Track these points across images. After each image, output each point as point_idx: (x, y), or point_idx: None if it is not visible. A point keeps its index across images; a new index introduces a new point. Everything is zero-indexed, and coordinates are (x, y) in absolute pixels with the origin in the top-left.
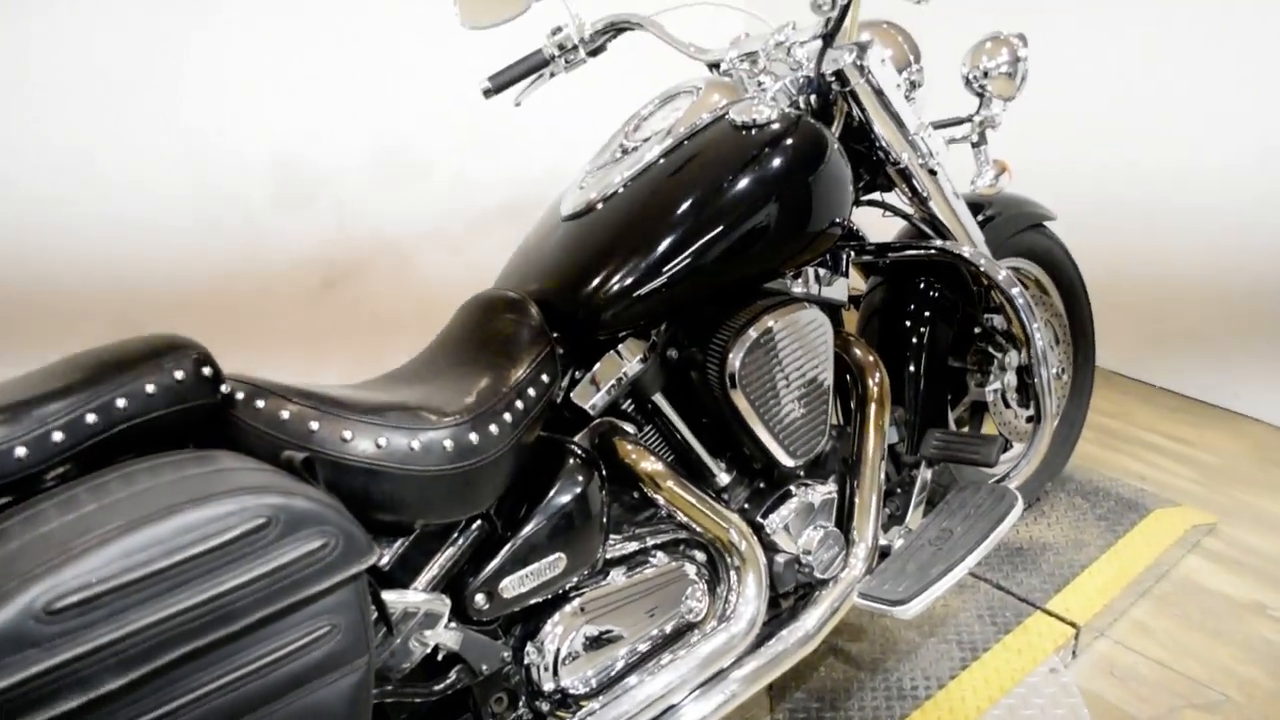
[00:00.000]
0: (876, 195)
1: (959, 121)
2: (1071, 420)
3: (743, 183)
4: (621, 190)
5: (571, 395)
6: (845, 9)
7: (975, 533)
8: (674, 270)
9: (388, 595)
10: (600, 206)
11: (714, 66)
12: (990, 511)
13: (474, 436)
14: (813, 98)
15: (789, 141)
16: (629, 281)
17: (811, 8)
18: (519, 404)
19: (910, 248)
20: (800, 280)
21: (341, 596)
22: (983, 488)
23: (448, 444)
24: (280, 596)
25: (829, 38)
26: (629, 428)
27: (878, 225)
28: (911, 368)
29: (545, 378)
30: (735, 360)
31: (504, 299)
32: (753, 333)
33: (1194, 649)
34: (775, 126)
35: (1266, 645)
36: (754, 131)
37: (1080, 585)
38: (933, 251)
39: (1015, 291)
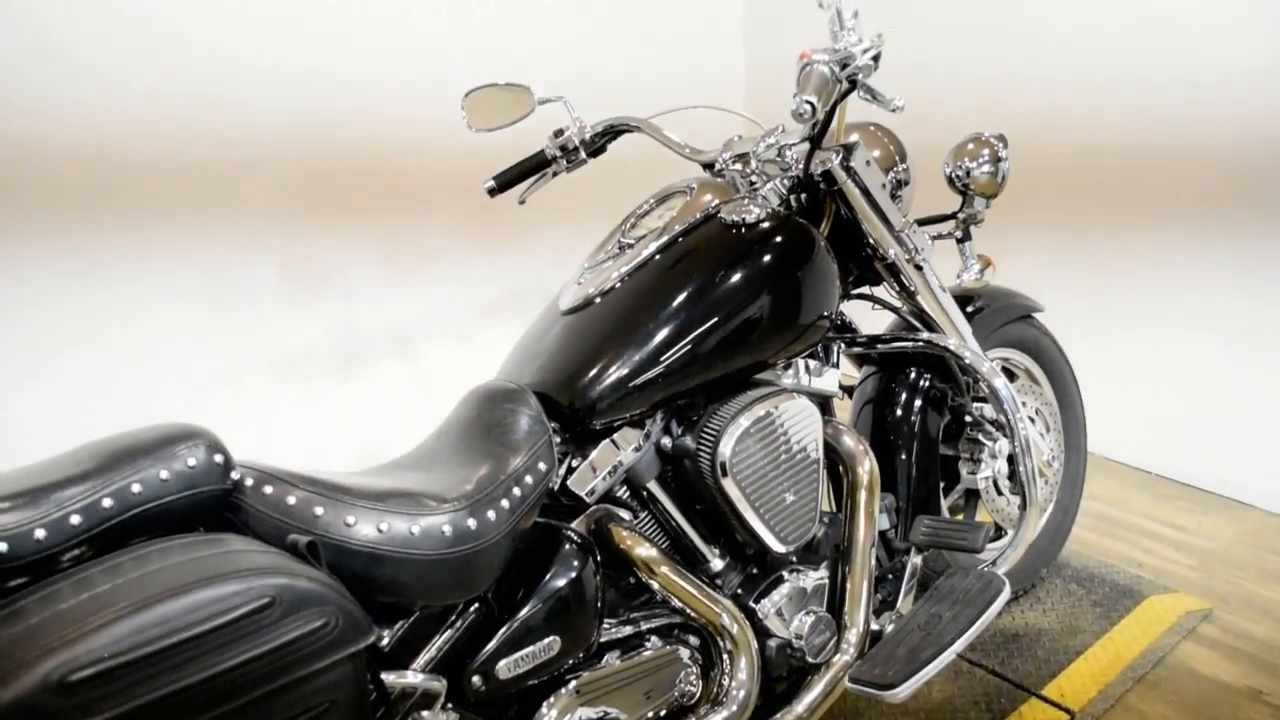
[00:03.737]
0: (866, 289)
1: (944, 218)
2: (1066, 507)
3: (734, 279)
4: (618, 285)
5: (568, 483)
6: (830, 114)
7: (964, 618)
8: (668, 363)
9: (386, 676)
10: (597, 301)
11: (708, 167)
12: (978, 597)
13: (472, 522)
14: (803, 196)
15: (777, 239)
16: (624, 373)
17: (793, 116)
18: (516, 491)
19: (898, 339)
20: (791, 372)
21: (340, 674)
22: (971, 573)
23: (446, 529)
24: (282, 674)
25: (816, 140)
26: (624, 514)
27: (871, 317)
28: (903, 455)
29: (542, 466)
30: (726, 449)
31: (503, 390)
32: (744, 421)
33: None
34: (764, 225)
35: None
36: (744, 230)
37: (1075, 671)
38: (920, 344)
39: (999, 383)
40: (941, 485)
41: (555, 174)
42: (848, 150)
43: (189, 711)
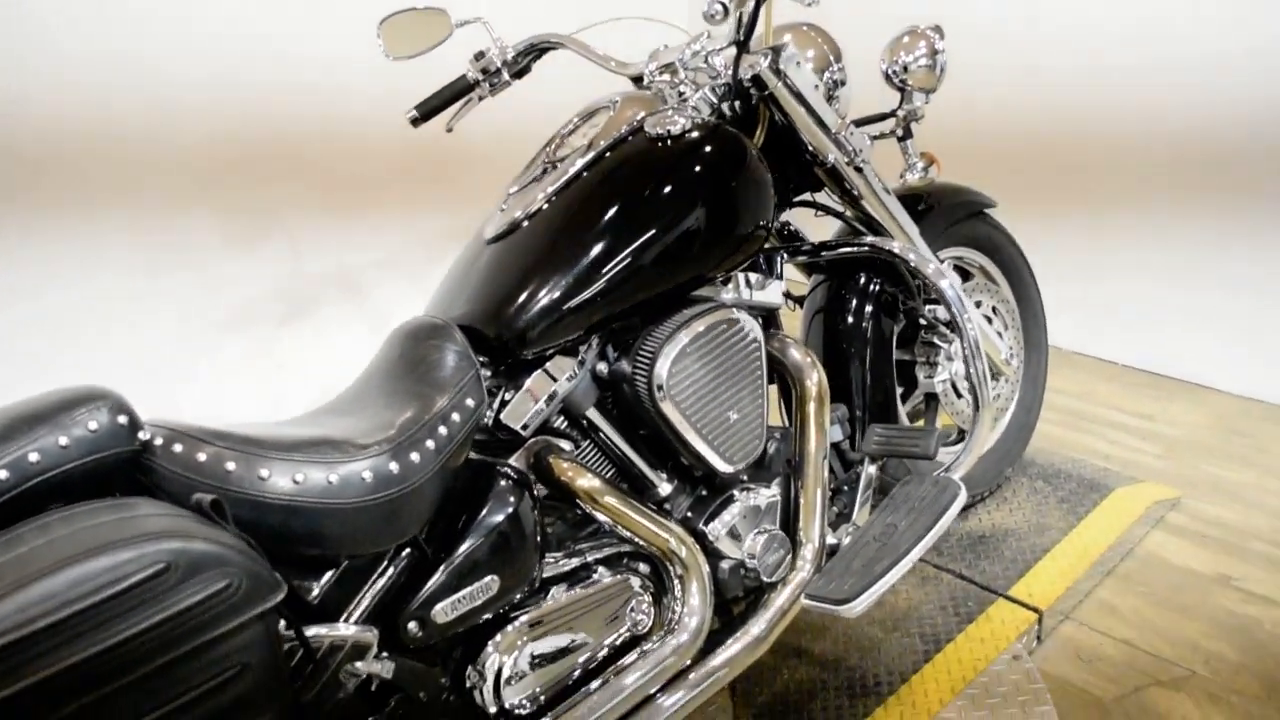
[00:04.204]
0: (808, 196)
1: (883, 117)
2: (1029, 405)
3: (662, 193)
4: (542, 209)
5: (502, 417)
6: (755, 16)
7: (919, 526)
8: (598, 285)
9: (311, 630)
10: (522, 226)
11: (637, 80)
12: (934, 504)
13: (394, 466)
14: (736, 104)
15: (705, 149)
16: (552, 299)
17: (704, 18)
18: (443, 430)
19: (842, 246)
20: (731, 287)
21: (250, 636)
22: (926, 479)
23: (367, 475)
24: (185, 640)
25: (742, 44)
26: (565, 445)
27: (818, 225)
28: (856, 363)
29: (470, 402)
30: (663, 370)
31: (428, 326)
32: (680, 340)
33: (1160, 626)
34: (690, 135)
35: (1232, 618)
36: (670, 142)
37: (1042, 570)
38: (864, 248)
39: (945, 284)
40: (900, 391)
41: (480, 98)
42: (776, 52)
43: (89, 685)
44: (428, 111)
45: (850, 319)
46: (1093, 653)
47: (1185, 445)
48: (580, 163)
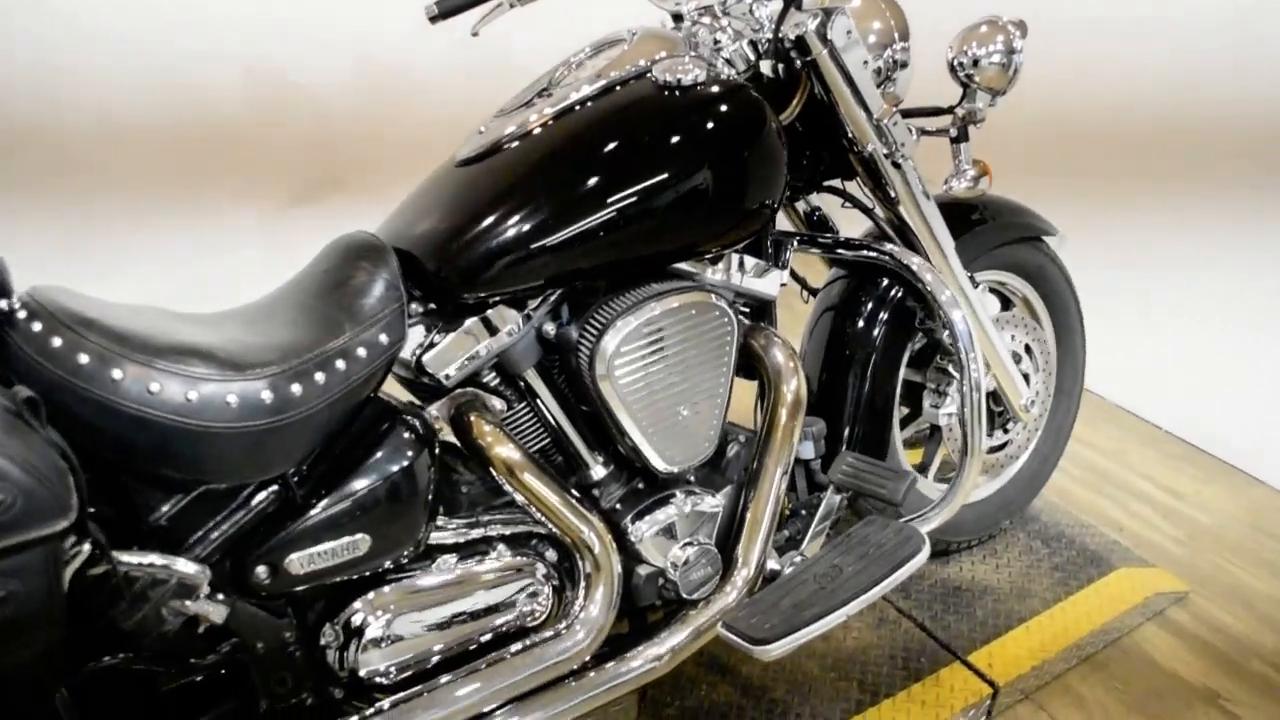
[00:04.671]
0: (838, 183)
1: (938, 112)
2: (1045, 455)
3: (656, 148)
4: (520, 139)
5: (424, 360)
6: None
7: (865, 577)
8: (564, 234)
9: (129, 558)
10: (494, 153)
11: (677, 18)
12: (889, 555)
13: (268, 395)
14: (780, 66)
15: (714, 108)
16: (507, 240)
17: None
18: (340, 364)
19: (859, 247)
20: (720, 267)
21: (20, 561)
22: (890, 525)
23: (232, 399)
24: None
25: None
26: (497, 403)
27: (853, 216)
28: (855, 374)
29: (384, 338)
30: (609, 345)
31: (364, 244)
32: (637, 316)
33: None
34: (702, 90)
35: None
36: (677, 93)
37: (1012, 640)
38: (882, 256)
39: (956, 316)
40: (904, 414)
41: (512, 5)
42: (828, 15)
43: None
44: (447, 10)
45: (861, 324)
46: None
47: (1210, 536)
48: (574, 96)
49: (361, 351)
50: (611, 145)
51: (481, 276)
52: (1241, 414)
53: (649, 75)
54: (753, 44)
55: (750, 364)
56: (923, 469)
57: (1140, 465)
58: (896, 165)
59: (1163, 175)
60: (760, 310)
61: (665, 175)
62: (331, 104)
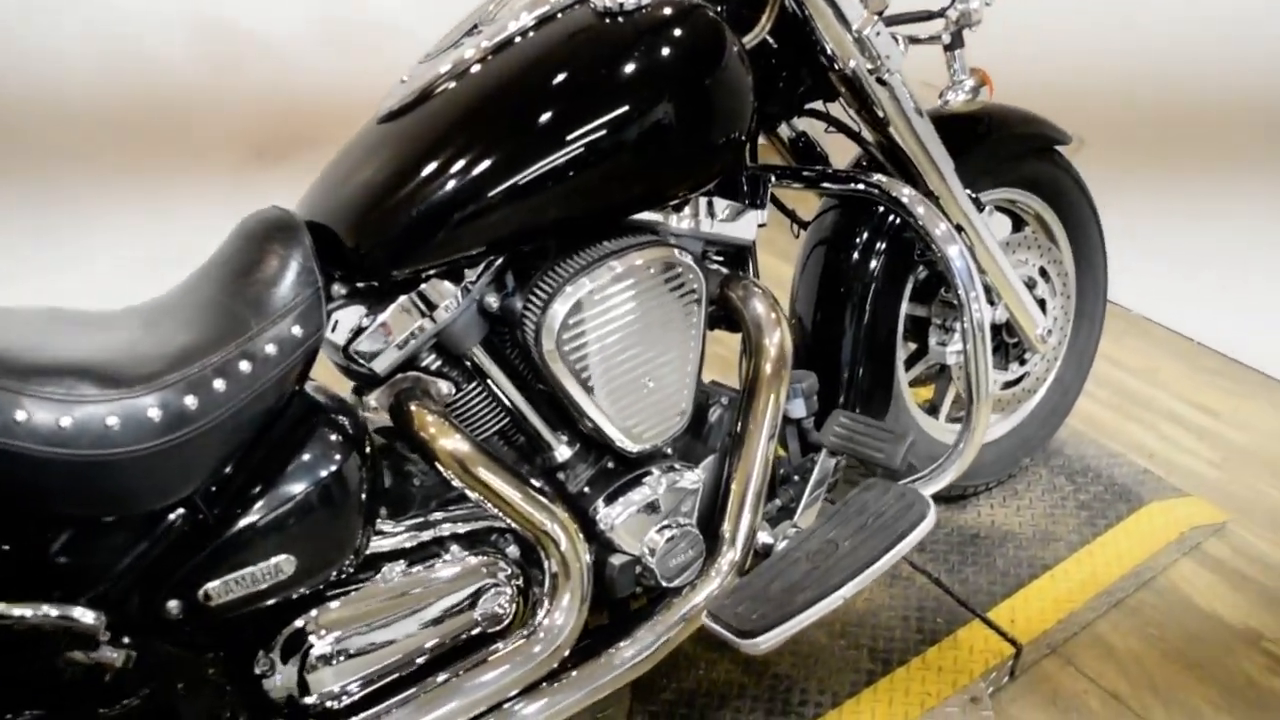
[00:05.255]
0: (820, 105)
1: (928, 16)
2: (1066, 386)
3: (600, 84)
4: (447, 86)
5: (352, 348)
6: None
7: (863, 553)
8: (497, 191)
9: (14, 610)
10: (418, 105)
11: None
12: (889, 526)
13: (156, 412)
14: None
15: (665, 33)
16: (435, 203)
17: None
18: (244, 366)
19: (843, 180)
20: (686, 213)
21: None
22: (891, 490)
23: (112, 421)
24: None
25: None
26: (443, 386)
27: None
28: (853, 314)
29: (298, 330)
30: (556, 316)
31: (275, 221)
32: (585, 283)
33: (1161, 682)
34: (648, 13)
35: (1251, 689)
36: (620, 19)
37: (1036, 591)
38: (861, 189)
39: (953, 252)
40: (910, 351)
41: None
42: None
43: None
44: None
45: (856, 258)
46: (1071, 702)
47: (1249, 457)
48: (504, 33)
49: (270, 349)
50: (549, 85)
51: (410, 248)
52: None
53: (587, 1)
54: None
55: (731, 317)
56: (933, 410)
57: (1171, 383)
58: (882, 82)
59: (1188, 73)
60: (737, 256)
61: (613, 115)
62: (291, 56)
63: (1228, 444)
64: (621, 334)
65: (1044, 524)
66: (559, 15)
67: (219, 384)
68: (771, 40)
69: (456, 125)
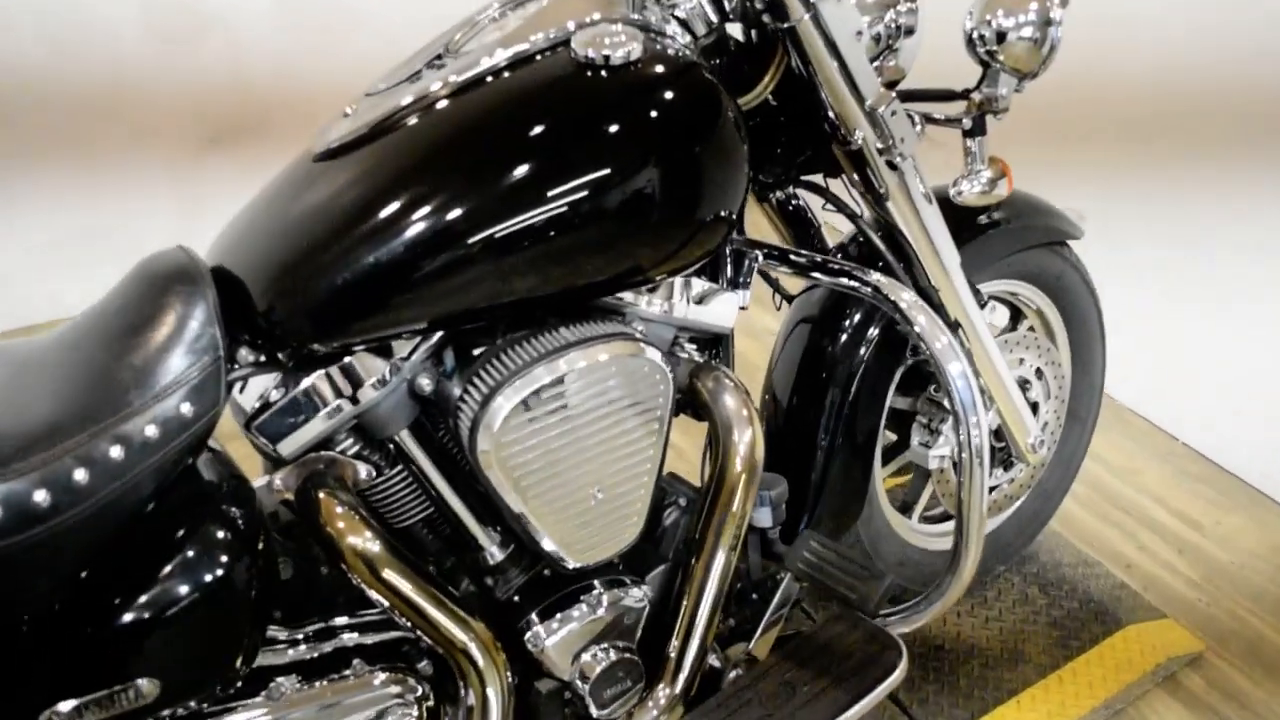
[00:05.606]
0: (820, 179)
1: (950, 96)
2: (1049, 492)
3: (575, 145)
4: (398, 126)
5: (256, 424)
6: None
7: (823, 706)
8: (450, 260)
9: None
10: (362, 145)
11: None
12: (857, 673)
13: None
14: (753, 33)
15: (657, 94)
16: (372, 266)
17: None
18: (116, 451)
19: (835, 271)
20: (661, 295)
21: None
22: (861, 626)
23: None
24: None
25: None
26: (361, 470)
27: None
28: (832, 405)
29: (188, 409)
30: (498, 414)
31: (175, 270)
32: (533, 378)
33: None
34: (635, 69)
35: None
36: (604, 74)
37: (1000, 719)
38: (857, 286)
39: (955, 370)
40: (890, 441)
41: None
42: None
43: None
44: None
45: (843, 344)
46: None
47: (1229, 578)
48: (469, 73)
49: (150, 431)
50: (518, 139)
51: (338, 318)
52: (1274, 430)
53: (569, 45)
54: (715, 2)
55: (698, 407)
56: (906, 508)
57: (1153, 485)
58: (892, 165)
59: (1193, 146)
60: (711, 340)
61: (589, 181)
62: (246, 33)
63: (1208, 562)
64: (572, 439)
65: (1014, 641)
66: (538, 57)
67: (80, 475)
68: (772, 99)
69: (408, 173)
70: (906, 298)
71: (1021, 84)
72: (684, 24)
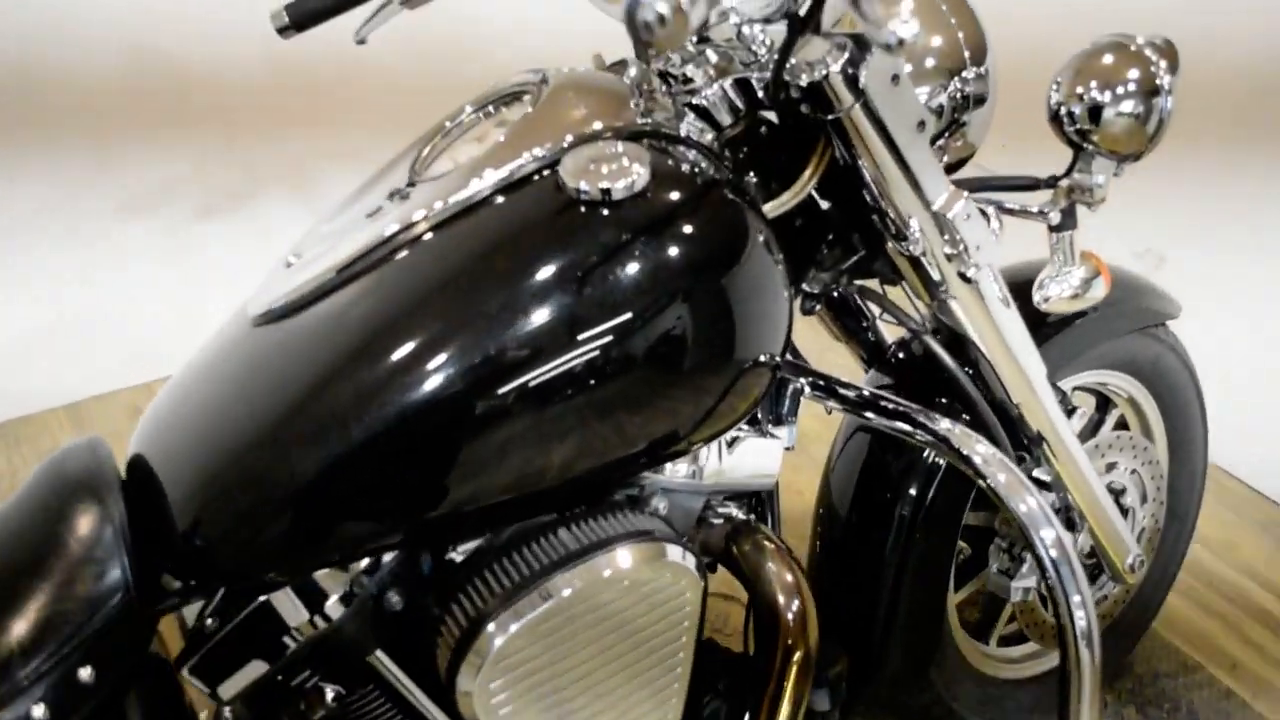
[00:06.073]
0: (875, 284)
1: (1033, 185)
2: (1148, 599)
3: (571, 304)
4: (361, 278)
5: (186, 669)
6: None
7: None
8: (429, 457)
9: None
10: (315, 304)
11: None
12: None
13: None
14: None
15: (667, 231)
16: (332, 471)
17: None
18: None
19: (888, 411)
20: (685, 458)
21: None
22: None
23: None
24: None
25: (803, 19)
26: (328, 691)
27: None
28: (893, 545)
29: (87, 674)
30: (488, 648)
31: (75, 478)
32: (532, 603)
33: None
34: (649, 199)
35: None
36: (601, 208)
37: None
38: (920, 435)
39: (1047, 538)
40: (962, 556)
41: (403, 4)
42: (860, 47)
43: None
44: (303, 16)
45: (909, 462)
46: None
47: None
48: (440, 207)
49: (39, 713)
50: (500, 302)
51: (279, 543)
52: None
53: (557, 174)
54: (743, 84)
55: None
56: (979, 632)
57: (1255, 563)
58: (965, 278)
59: None
60: (752, 500)
61: (588, 348)
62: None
63: None
64: (578, 675)
65: None
66: (525, 185)
67: None
68: (816, 193)
69: (369, 345)
70: (982, 451)
71: (1121, 167)
72: (705, 114)
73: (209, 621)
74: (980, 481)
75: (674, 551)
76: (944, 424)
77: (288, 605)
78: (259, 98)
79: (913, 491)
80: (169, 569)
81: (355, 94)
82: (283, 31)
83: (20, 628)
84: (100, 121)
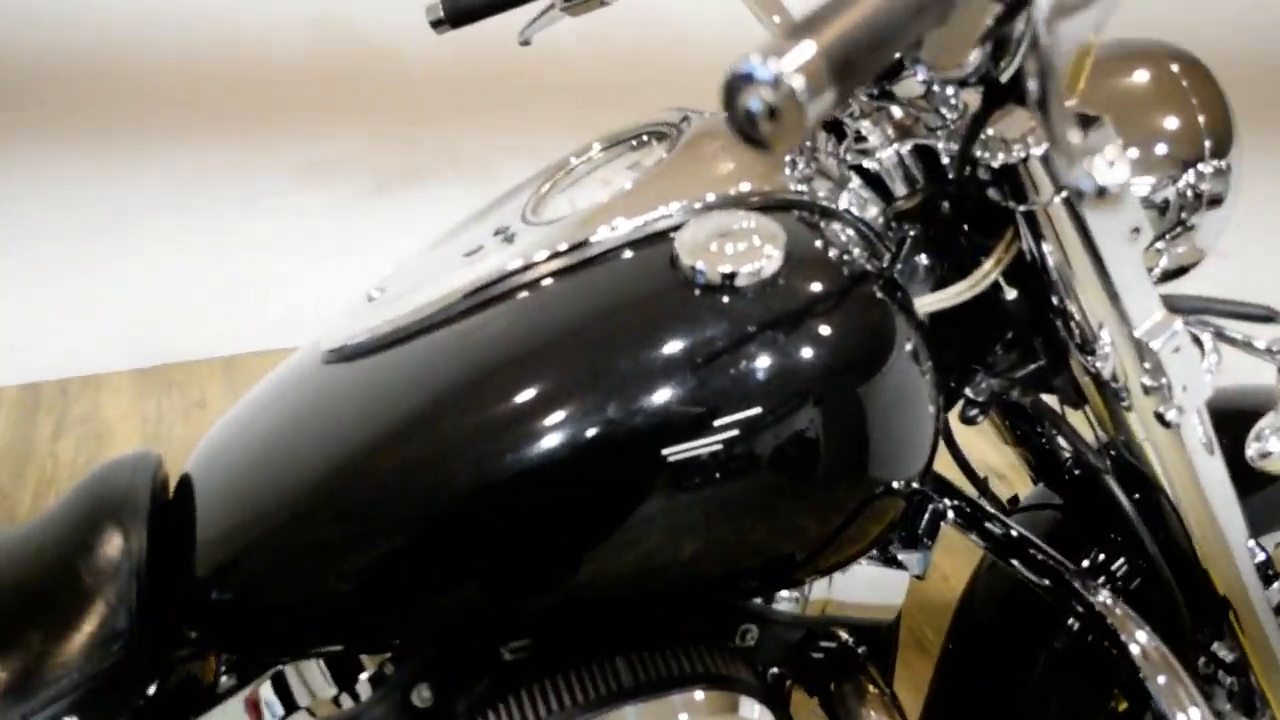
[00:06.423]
0: (1055, 402)
1: (1267, 317)
2: None
3: (680, 397)
4: (437, 326)
5: None
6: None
7: None
8: (510, 536)
9: None
10: (399, 345)
11: None
12: None
13: None
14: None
15: (795, 329)
16: (402, 536)
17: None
18: None
19: (1038, 564)
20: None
21: None
22: None
23: None
24: None
25: (1002, 86)
26: None
27: None
28: (1034, 694)
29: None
30: None
31: (112, 499)
32: None
33: None
34: (780, 286)
35: None
36: (722, 297)
37: None
38: (1078, 609)
39: None
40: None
41: (563, 9)
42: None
43: None
44: (460, 13)
45: (1051, 624)
46: None
47: None
48: (546, 256)
49: None
50: (603, 380)
51: (311, 616)
52: None
53: (672, 247)
54: (925, 151)
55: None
56: None
57: None
58: (1164, 421)
59: None
60: (868, 635)
61: (695, 450)
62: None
63: None
64: None
65: None
66: (647, 248)
67: None
68: (997, 284)
69: (456, 405)
70: (1143, 641)
71: None
72: (875, 180)
73: (223, 680)
74: (1132, 675)
75: (748, 707)
76: (1102, 597)
77: (300, 683)
78: (436, 84)
79: (1058, 647)
80: (183, 617)
81: (530, 87)
82: (437, 26)
83: (11, 667)
84: (282, 95)
